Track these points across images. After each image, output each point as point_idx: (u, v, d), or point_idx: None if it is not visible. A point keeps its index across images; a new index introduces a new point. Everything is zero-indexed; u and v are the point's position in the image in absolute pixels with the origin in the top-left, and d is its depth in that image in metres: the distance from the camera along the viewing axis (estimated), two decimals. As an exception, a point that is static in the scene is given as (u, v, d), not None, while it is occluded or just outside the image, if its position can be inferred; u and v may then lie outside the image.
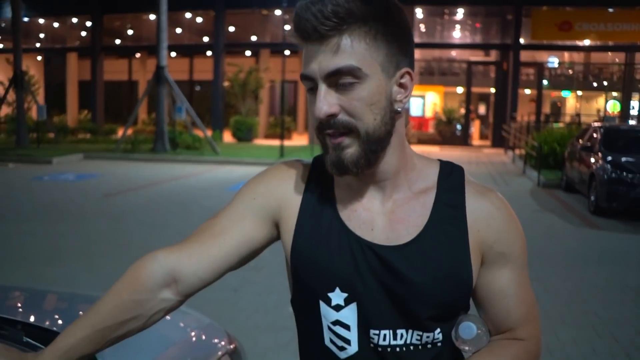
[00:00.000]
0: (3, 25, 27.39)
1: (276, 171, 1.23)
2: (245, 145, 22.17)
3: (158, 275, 1.14)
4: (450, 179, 1.16)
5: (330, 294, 1.12)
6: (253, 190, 1.21)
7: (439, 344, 1.13)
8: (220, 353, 1.95)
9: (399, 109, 1.08)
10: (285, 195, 1.18)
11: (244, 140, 23.59)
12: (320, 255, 1.12)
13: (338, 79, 1.02)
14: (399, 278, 1.09)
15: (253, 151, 19.13)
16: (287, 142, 19.78)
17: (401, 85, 1.08)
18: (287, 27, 26.10)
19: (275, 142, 20.92)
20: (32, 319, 1.91)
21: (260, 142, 23.93)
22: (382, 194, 1.14)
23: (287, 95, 26.85)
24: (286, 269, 1.23)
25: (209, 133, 19.51)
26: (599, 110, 28.31)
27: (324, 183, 1.18)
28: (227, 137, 24.01)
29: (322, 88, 1.04)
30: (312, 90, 1.06)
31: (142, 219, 8.70)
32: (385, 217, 1.13)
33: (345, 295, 1.11)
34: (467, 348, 1.13)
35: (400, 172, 1.14)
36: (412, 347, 1.12)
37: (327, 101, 1.03)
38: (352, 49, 1.01)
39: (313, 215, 1.16)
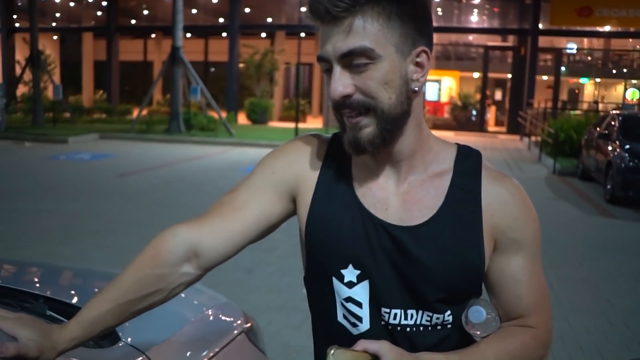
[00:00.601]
0: (20, 4, 27.47)
1: (295, 145, 1.23)
2: (260, 127, 22.18)
3: (179, 250, 1.15)
4: (467, 163, 1.16)
5: (343, 271, 1.13)
6: (272, 164, 1.21)
7: (449, 326, 1.14)
8: (236, 332, 1.97)
9: (416, 88, 1.08)
10: (303, 169, 1.19)
11: (259, 122, 23.59)
12: (335, 232, 1.13)
13: (352, 60, 1.03)
14: (409, 259, 1.10)
15: (267, 133, 19.14)
16: (301, 125, 19.76)
17: (417, 65, 1.07)
18: (303, 9, 25.91)
19: (290, 125, 20.90)
20: (48, 293, 1.93)
21: (275, 124, 23.92)
22: (398, 174, 1.15)
23: (302, 78, 26.75)
24: (300, 245, 1.24)
25: (224, 115, 19.53)
26: (603, 97, 27.93)
27: (341, 160, 1.18)
28: (242, 119, 24.03)
29: (337, 69, 1.04)
30: (329, 71, 1.07)
31: (156, 199, 8.75)
32: (399, 197, 1.14)
33: (358, 272, 1.12)
34: (476, 332, 1.13)
35: (417, 153, 1.14)
36: (422, 328, 1.13)
37: (342, 82, 1.04)
38: (364, 30, 1.01)
39: (329, 191, 1.16)
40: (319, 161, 1.19)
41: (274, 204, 1.19)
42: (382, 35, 1.02)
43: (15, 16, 26.51)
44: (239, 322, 2.04)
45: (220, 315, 2.10)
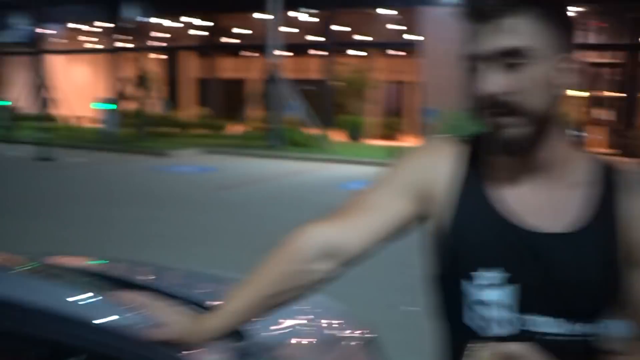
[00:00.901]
0: (128, 26, 29.17)
1: (430, 148, 1.24)
2: (355, 144, 22.32)
3: (315, 248, 1.17)
4: (608, 175, 1.14)
5: (477, 273, 1.12)
6: (406, 167, 1.22)
7: (588, 338, 1.11)
8: (356, 342, 1.97)
9: (560, 94, 1.08)
10: (437, 173, 1.18)
11: (353, 139, 23.74)
12: (470, 235, 1.12)
13: (506, 59, 1.03)
14: (545, 266, 1.09)
15: (363, 150, 19.23)
16: (397, 143, 19.70)
17: (562, 71, 1.07)
18: (398, 27, 26.13)
19: (384, 142, 20.88)
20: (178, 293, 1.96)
21: (369, 141, 23.99)
22: (539, 180, 1.13)
23: (396, 96, 26.76)
24: (426, 248, 1.21)
25: (320, 131, 19.81)
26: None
27: (479, 163, 1.16)
28: (337, 135, 24.26)
29: (489, 67, 1.04)
30: (475, 69, 1.06)
31: (257, 212, 8.95)
32: (539, 204, 1.12)
33: (497, 275, 1.11)
34: (612, 346, 1.11)
35: (558, 160, 1.12)
36: (560, 337, 1.10)
37: (494, 80, 1.04)
38: (521, 30, 1.03)
39: (466, 194, 1.15)
40: (453, 164, 1.18)
41: (406, 207, 1.18)
42: (536, 37, 1.04)
43: (123, 36, 28.17)
44: (358, 332, 2.05)
45: (340, 324, 2.11)
